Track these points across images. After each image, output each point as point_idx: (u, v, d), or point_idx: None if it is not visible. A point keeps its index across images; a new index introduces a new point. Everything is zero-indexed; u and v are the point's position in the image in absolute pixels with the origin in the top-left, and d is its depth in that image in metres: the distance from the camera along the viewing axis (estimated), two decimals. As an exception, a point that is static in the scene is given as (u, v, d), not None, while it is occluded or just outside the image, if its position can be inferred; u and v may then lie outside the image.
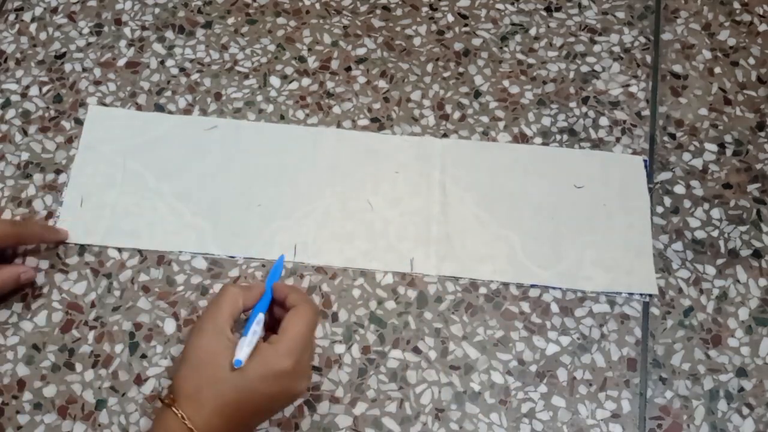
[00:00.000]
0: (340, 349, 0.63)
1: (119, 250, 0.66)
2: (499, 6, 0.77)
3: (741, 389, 0.62)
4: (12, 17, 0.76)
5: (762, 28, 0.76)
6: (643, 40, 0.75)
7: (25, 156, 0.70)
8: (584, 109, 0.72)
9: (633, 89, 0.73)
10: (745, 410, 0.61)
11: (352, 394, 0.62)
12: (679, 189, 0.69)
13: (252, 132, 0.71)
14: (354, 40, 0.75)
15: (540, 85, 0.73)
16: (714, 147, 0.71)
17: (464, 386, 0.62)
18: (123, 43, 0.75)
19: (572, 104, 0.72)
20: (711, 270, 0.66)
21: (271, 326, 0.57)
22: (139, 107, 0.72)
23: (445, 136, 0.71)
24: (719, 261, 0.66)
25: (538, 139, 0.71)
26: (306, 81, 0.73)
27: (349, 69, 0.74)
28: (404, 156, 0.70)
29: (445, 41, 0.75)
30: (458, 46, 0.75)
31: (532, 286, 0.65)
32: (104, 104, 0.72)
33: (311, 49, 0.75)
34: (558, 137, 0.71)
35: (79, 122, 0.71)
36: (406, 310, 0.64)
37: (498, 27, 0.76)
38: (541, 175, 0.69)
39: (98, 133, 0.71)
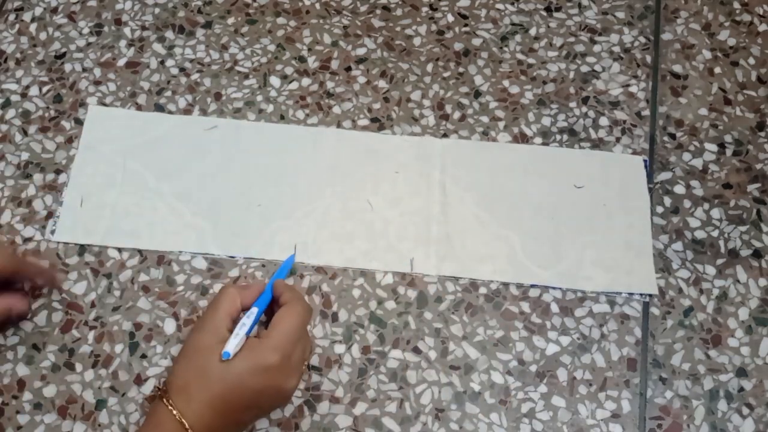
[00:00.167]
0: (340, 349, 0.63)
1: (119, 250, 0.66)
2: (499, 6, 0.77)
3: (741, 389, 0.62)
4: (12, 17, 0.76)
5: (762, 28, 0.76)
6: (643, 40, 0.75)
7: (25, 156, 0.70)
8: (584, 109, 0.72)
9: (633, 89, 0.73)
10: (745, 410, 0.61)
11: (352, 394, 0.62)
12: (679, 189, 0.69)
13: (252, 132, 0.71)
14: (354, 40, 0.75)
15: (540, 85, 0.73)
16: (714, 147, 0.71)
17: (464, 386, 0.62)
18: (123, 43, 0.75)
19: (572, 104, 0.72)
20: (711, 270, 0.66)
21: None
22: (139, 107, 0.72)
23: (445, 136, 0.71)
24: (719, 261, 0.66)
25: (538, 139, 0.71)
26: (306, 81, 0.73)
27: (349, 69, 0.74)
28: (404, 156, 0.70)
29: (445, 41, 0.75)
30: (458, 46, 0.75)
31: (532, 286, 0.65)
32: (104, 104, 0.72)
33: (311, 49, 0.75)
34: (558, 137, 0.71)
35: (79, 122, 0.71)
36: (406, 310, 0.64)
37: (498, 27, 0.76)
38: (541, 175, 0.69)
39: (98, 133, 0.71)
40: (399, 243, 0.67)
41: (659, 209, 0.68)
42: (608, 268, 0.66)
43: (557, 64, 0.74)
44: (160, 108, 0.72)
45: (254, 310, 0.55)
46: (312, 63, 0.74)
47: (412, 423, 0.61)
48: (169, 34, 0.75)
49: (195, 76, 0.73)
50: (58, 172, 0.69)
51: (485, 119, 0.72)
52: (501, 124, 0.71)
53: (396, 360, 0.63)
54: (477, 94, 0.73)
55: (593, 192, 0.69)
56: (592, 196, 0.69)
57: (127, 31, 0.76)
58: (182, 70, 0.74)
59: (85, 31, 0.76)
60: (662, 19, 0.77)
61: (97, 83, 0.73)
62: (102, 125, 0.71)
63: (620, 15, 0.76)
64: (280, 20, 0.76)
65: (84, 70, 0.74)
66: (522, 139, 0.71)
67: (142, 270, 0.66)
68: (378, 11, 0.77)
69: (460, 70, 0.74)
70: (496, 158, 0.70)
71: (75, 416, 0.60)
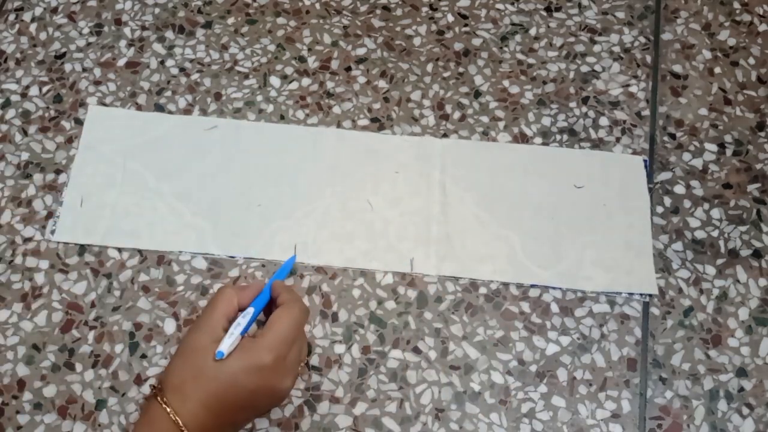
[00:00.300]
0: (340, 349, 0.63)
1: (119, 250, 0.66)
2: (499, 6, 0.77)
3: (741, 389, 0.62)
4: (12, 17, 0.76)
5: (762, 28, 0.76)
6: (643, 40, 0.75)
7: (25, 156, 0.70)
8: (584, 109, 0.72)
9: (633, 89, 0.73)
10: (745, 410, 0.61)
11: (352, 394, 0.62)
12: (679, 189, 0.69)
13: (252, 132, 0.71)
14: (354, 40, 0.75)
15: (540, 85, 0.73)
16: (714, 147, 0.71)
17: (464, 386, 0.62)
18: (123, 43, 0.75)
19: (572, 104, 0.72)
20: (711, 270, 0.66)
21: None
22: (139, 107, 0.72)
23: (445, 136, 0.71)
24: (719, 261, 0.66)
25: (538, 139, 0.71)
26: (306, 81, 0.73)
27: (349, 69, 0.74)
28: (404, 156, 0.70)
29: (445, 41, 0.75)
30: (458, 46, 0.75)
31: (532, 286, 0.65)
32: (104, 104, 0.72)
33: (311, 49, 0.75)
34: (558, 137, 0.71)
35: (79, 122, 0.71)
36: (406, 310, 0.64)
37: (498, 27, 0.76)
38: (541, 175, 0.69)
39: (98, 133, 0.71)
40: (399, 243, 0.67)
41: (659, 209, 0.68)
42: (608, 268, 0.66)
43: (557, 64, 0.74)
44: (160, 108, 0.72)
45: (250, 310, 0.55)
46: (312, 63, 0.74)
47: (412, 423, 0.61)
48: (169, 34, 0.75)
49: (195, 76, 0.73)
50: (58, 172, 0.69)
51: (485, 119, 0.72)
52: (501, 124, 0.71)
53: (396, 360, 0.63)
54: (477, 94, 0.73)
55: (593, 192, 0.69)
56: (592, 196, 0.69)
57: (127, 31, 0.76)
58: (182, 70, 0.74)
59: (85, 31, 0.76)
60: (662, 19, 0.77)
61: (97, 83, 0.73)
62: (102, 125, 0.71)
63: (620, 15, 0.76)
64: (280, 20, 0.76)
65: (84, 70, 0.74)
66: (522, 139, 0.71)
67: (142, 270, 0.66)
68: (378, 11, 0.77)
69: (460, 70, 0.74)
70: (496, 158, 0.70)
71: (75, 416, 0.60)
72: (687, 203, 0.69)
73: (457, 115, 0.72)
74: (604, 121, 0.72)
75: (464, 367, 0.63)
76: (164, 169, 0.69)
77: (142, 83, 0.73)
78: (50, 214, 0.67)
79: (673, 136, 0.71)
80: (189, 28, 0.76)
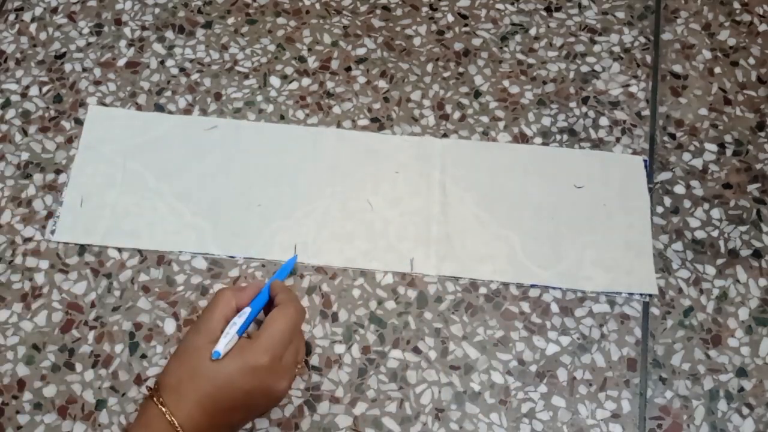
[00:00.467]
0: (340, 349, 0.63)
1: (119, 250, 0.66)
2: (499, 6, 0.77)
3: (741, 389, 0.62)
4: (12, 17, 0.76)
5: (762, 28, 0.76)
6: (643, 40, 0.75)
7: (25, 156, 0.70)
8: (584, 109, 0.72)
9: (633, 89, 0.73)
10: (745, 410, 0.61)
11: (352, 394, 0.62)
12: (679, 189, 0.69)
13: (252, 132, 0.71)
14: (354, 40, 0.75)
15: (540, 85, 0.73)
16: (714, 147, 0.71)
17: (464, 386, 0.62)
18: (123, 43, 0.75)
19: (572, 104, 0.72)
20: (711, 270, 0.66)
21: None
22: (139, 107, 0.72)
23: (445, 136, 0.71)
24: (719, 261, 0.66)
25: (538, 139, 0.71)
26: (306, 81, 0.73)
27: (349, 69, 0.74)
28: (404, 156, 0.70)
29: (445, 41, 0.75)
30: (458, 46, 0.75)
31: (532, 286, 0.65)
32: (104, 104, 0.72)
33: (311, 49, 0.75)
34: (558, 137, 0.71)
35: (79, 122, 0.71)
36: (406, 310, 0.64)
37: (498, 27, 0.76)
38: (541, 175, 0.69)
39: (98, 133, 0.71)
40: (399, 243, 0.67)
41: (659, 209, 0.68)
42: (608, 268, 0.66)
43: (557, 64, 0.74)
44: (160, 108, 0.72)
45: (247, 310, 0.55)
46: (312, 63, 0.74)
47: (412, 423, 0.61)
48: (169, 34, 0.75)
49: (195, 76, 0.73)
50: (58, 172, 0.69)
51: (485, 119, 0.72)
52: (501, 124, 0.71)
53: (396, 360, 0.63)
54: (477, 94, 0.73)
55: (593, 192, 0.69)
56: (592, 196, 0.69)
57: (127, 31, 0.76)
58: (182, 70, 0.74)
59: (85, 31, 0.76)
60: (662, 19, 0.77)
61: (97, 83, 0.73)
62: (102, 125, 0.71)
63: (620, 15, 0.76)
64: (280, 20, 0.76)
65: (84, 70, 0.74)
66: (522, 139, 0.71)
67: (142, 270, 0.66)
68: (378, 11, 0.76)
69: (460, 70, 0.74)
70: (496, 158, 0.70)
71: (75, 416, 0.60)
72: (687, 203, 0.69)
73: (457, 115, 0.72)
74: (604, 121, 0.72)
75: (464, 367, 0.63)
76: (164, 169, 0.69)
77: (142, 83, 0.73)
78: (50, 214, 0.67)
79: (673, 136, 0.71)
80: (189, 28, 0.76)
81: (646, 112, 0.72)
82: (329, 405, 0.61)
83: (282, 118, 0.72)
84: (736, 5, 0.77)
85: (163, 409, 0.50)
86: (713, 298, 0.65)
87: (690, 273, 0.66)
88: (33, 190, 0.68)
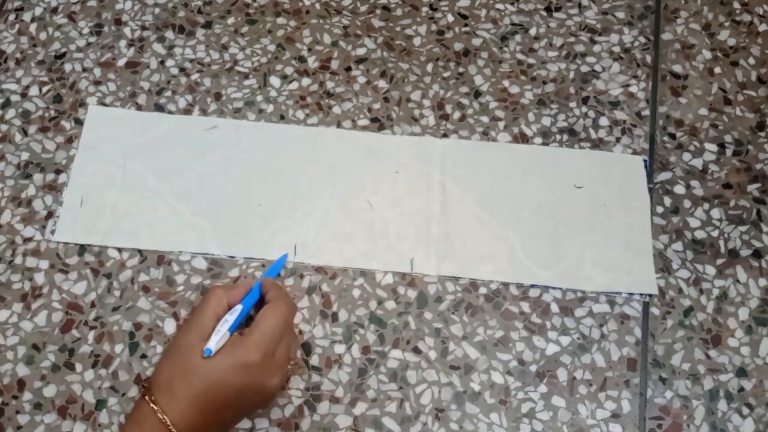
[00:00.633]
0: (340, 349, 0.63)
1: (119, 250, 0.66)
2: (499, 6, 0.77)
3: (741, 389, 0.62)
4: (12, 17, 0.76)
5: (762, 28, 0.76)
6: (643, 40, 0.75)
7: (25, 156, 0.70)
8: (584, 109, 0.72)
9: (633, 89, 0.73)
10: (745, 410, 0.61)
11: (352, 394, 0.62)
12: (679, 189, 0.69)
13: (252, 132, 0.71)
14: (354, 40, 0.75)
15: (540, 85, 0.73)
16: (714, 147, 0.71)
17: (464, 386, 0.62)
18: (123, 43, 0.75)
19: (572, 104, 0.72)
20: (711, 270, 0.66)
21: None
22: (139, 107, 0.72)
23: (445, 136, 0.71)
24: (719, 261, 0.66)
25: (538, 139, 0.71)
26: (306, 81, 0.73)
27: (349, 69, 0.74)
28: (404, 156, 0.70)
29: (445, 41, 0.75)
30: (458, 46, 0.75)
31: (532, 286, 0.65)
32: (104, 104, 0.72)
33: (311, 49, 0.75)
34: (558, 137, 0.71)
35: (79, 122, 0.71)
36: (406, 310, 0.64)
37: (498, 27, 0.76)
38: (541, 175, 0.69)
39: (98, 133, 0.71)
40: (399, 243, 0.67)
41: (659, 209, 0.68)
42: (608, 268, 0.66)
43: (557, 64, 0.74)
44: (160, 108, 0.72)
45: (238, 307, 0.56)
46: (312, 63, 0.74)
47: (412, 423, 0.61)
48: (169, 34, 0.75)
49: (195, 76, 0.73)
50: (58, 172, 0.69)
51: (485, 119, 0.72)
52: (501, 124, 0.71)
53: (396, 360, 0.63)
54: (477, 94, 0.73)
55: (593, 192, 0.69)
56: (592, 196, 0.69)
57: (127, 31, 0.76)
58: (182, 70, 0.74)
59: (85, 31, 0.76)
60: (662, 19, 0.77)
61: (97, 83, 0.73)
62: (102, 125, 0.71)
63: (620, 15, 0.76)
64: (280, 20, 0.76)
65: (84, 70, 0.74)
66: (522, 139, 0.71)
67: (142, 270, 0.66)
68: (378, 11, 0.76)
69: (460, 70, 0.74)
70: (496, 158, 0.70)
71: (75, 416, 0.60)
72: (687, 203, 0.69)
73: (457, 115, 0.72)
74: (604, 121, 0.72)
75: (464, 367, 0.63)
76: (164, 169, 0.69)
77: (142, 83, 0.73)
78: (50, 214, 0.67)
79: (673, 136, 0.71)
80: (189, 28, 0.76)
81: (646, 112, 0.72)
82: (329, 405, 0.61)
83: (282, 118, 0.72)
84: (736, 5, 0.77)
85: (155, 408, 0.50)
86: (713, 298, 0.65)
87: (690, 273, 0.66)
88: (33, 190, 0.68)
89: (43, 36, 0.75)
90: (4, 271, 0.65)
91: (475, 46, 0.75)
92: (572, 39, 0.75)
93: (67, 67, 0.74)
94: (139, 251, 0.66)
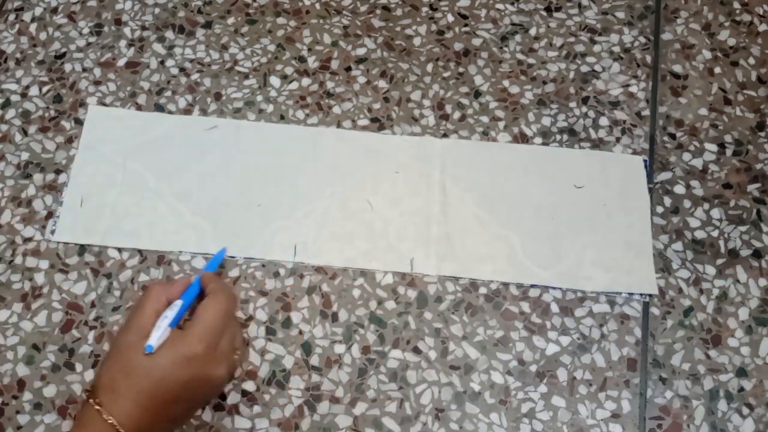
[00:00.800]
0: (340, 349, 0.63)
1: (119, 250, 0.66)
2: (499, 6, 0.77)
3: (741, 389, 0.62)
4: (12, 17, 0.76)
5: (762, 28, 0.76)
6: (643, 40, 0.75)
7: (25, 156, 0.70)
8: (584, 109, 0.72)
9: (633, 89, 0.73)
10: (745, 410, 0.61)
11: (352, 394, 0.62)
12: (679, 189, 0.69)
13: (252, 132, 0.71)
14: (354, 40, 0.75)
15: (540, 85, 0.73)
16: (714, 147, 0.71)
17: (464, 386, 0.62)
18: (123, 43, 0.75)
19: (572, 104, 0.72)
20: (711, 270, 0.66)
21: None
22: (139, 107, 0.72)
23: (445, 136, 0.71)
24: (719, 261, 0.66)
25: (538, 139, 0.71)
26: (306, 81, 0.73)
27: (349, 69, 0.74)
28: (404, 156, 0.70)
29: (445, 41, 0.75)
30: (458, 46, 0.75)
31: (532, 286, 0.65)
32: (104, 104, 0.72)
33: (311, 49, 0.75)
34: (558, 137, 0.71)
35: (79, 122, 0.71)
36: (406, 310, 0.64)
37: (498, 27, 0.76)
38: (541, 175, 0.69)
39: (98, 133, 0.71)
40: (399, 243, 0.67)
41: (659, 209, 0.68)
42: (608, 268, 0.66)
43: (557, 64, 0.74)
44: (160, 108, 0.72)
45: (178, 302, 0.55)
46: (312, 63, 0.74)
47: (412, 423, 0.61)
48: (169, 34, 0.75)
49: (195, 76, 0.73)
50: (58, 172, 0.69)
51: (485, 119, 0.72)
52: (501, 124, 0.71)
53: (396, 360, 0.63)
54: (477, 94, 0.73)
55: (593, 192, 0.69)
56: (592, 196, 0.69)
57: (127, 31, 0.76)
58: (182, 70, 0.74)
59: (85, 31, 0.76)
60: (662, 19, 0.77)
61: (97, 83, 0.73)
62: (102, 125, 0.71)
63: (620, 15, 0.76)
64: (280, 20, 0.76)
65: (84, 70, 0.74)
66: (522, 139, 0.71)
67: (142, 270, 0.66)
68: (378, 11, 0.76)
69: (460, 70, 0.74)
70: (496, 158, 0.70)
71: (75, 416, 0.60)
72: (687, 203, 0.69)
73: (457, 115, 0.72)
74: (604, 121, 0.72)
75: (464, 367, 0.63)
76: (164, 169, 0.69)
77: (142, 83, 0.73)
78: (50, 214, 0.67)
79: (673, 136, 0.71)
80: (189, 28, 0.76)
81: (646, 112, 0.72)
82: (329, 405, 0.61)
83: (282, 118, 0.72)
84: (736, 5, 0.77)
85: (100, 410, 0.49)
86: (713, 298, 0.65)
87: (690, 273, 0.66)
88: (33, 190, 0.68)
89: (43, 36, 0.75)
90: (4, 271, 0.65)
91: (475, 46, 0.75)
92: (572, 39, 0.75)
93: (67, 67, 0.74)
94: (139, 251, 0.66)
